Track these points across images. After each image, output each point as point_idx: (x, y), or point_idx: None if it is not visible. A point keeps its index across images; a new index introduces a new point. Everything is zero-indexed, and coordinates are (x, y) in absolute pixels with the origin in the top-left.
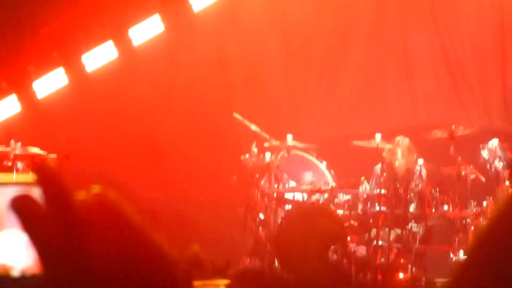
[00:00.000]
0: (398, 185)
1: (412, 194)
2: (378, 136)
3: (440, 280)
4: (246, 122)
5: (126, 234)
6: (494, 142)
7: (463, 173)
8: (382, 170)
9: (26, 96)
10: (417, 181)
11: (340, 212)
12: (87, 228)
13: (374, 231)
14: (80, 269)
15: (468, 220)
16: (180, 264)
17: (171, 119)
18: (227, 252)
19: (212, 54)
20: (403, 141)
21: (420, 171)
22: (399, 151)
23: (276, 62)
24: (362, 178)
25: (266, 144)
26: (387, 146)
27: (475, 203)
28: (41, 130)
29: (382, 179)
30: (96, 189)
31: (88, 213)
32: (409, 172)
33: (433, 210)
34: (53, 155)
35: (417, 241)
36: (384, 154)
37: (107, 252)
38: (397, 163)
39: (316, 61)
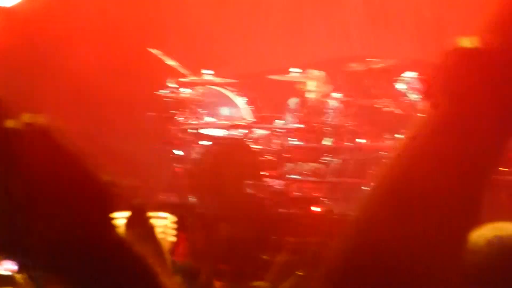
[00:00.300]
0: (313, 119)
1: (327, 128)
2: (294, 70)
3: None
4: (162, 57)
5: (58, 161)
6: (410, 75)
7: (379, 106)
8: (297, 104)
9: None
10: (332, 114)
11: (256, 147)
12: (17, 155)
13: (289, 165)
14: (12, 195)
15: (384, 152)
16: (109, 188)
17: (86, 53)
18: (144, 186)
19: None
20: (317, 74)
21: (334, 105)
22: (314, 85)
23: None
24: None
25: (183, 79)
26: (303, 79)
27: (391, 136)
28: None
29: (297, 113)
30: (26, 117)
31: (18, 141)
32: (324, 105)
33: (348, 143)
34: None
35: (332, 175)
36: (299, 88)
37: (38, 178)
38: (311, 97)
39: None
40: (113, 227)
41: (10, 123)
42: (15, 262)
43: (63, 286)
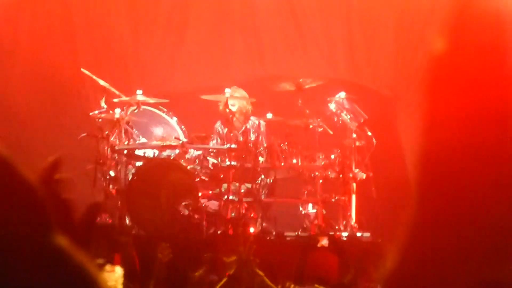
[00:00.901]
0: (246, 139)
1: (260, 148)
2: (227, 90)
3: (289, 234)
4: (94, 78)
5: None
6: (341, 95)
7: (311, 126)
8: (230, 124)
9: None
10: (264, 134)
11: (191, 167)
12: None
13: (225, 185)
14: None
15: (317, 173)
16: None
17: (15, 78)
18: (77, 208)
19: (56, 10)
20: (237, 92)
21: (259, 124)
22: (245, 105)
23: (122, 16)
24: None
25: (115, 100)
26: (234, 99)
27: (323, 156)
28: None
29: (230, 133)
30: None
31: None
32: (256, 125)
33: (282, 163)
34: None
35: (267, 195)
36: (230, 108)
37: None
38: (243, 117)
39: (162, 13)
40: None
41: None
42: None
43: None
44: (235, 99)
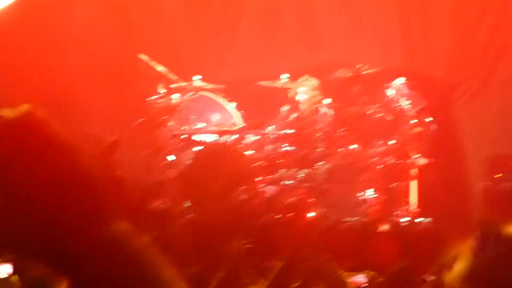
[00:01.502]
0: (304, 125)
1: (319, 134)
2: (284, 76)
3: (348, 219)
4: (152, 63)
5: (52, 152)
6: (399, 81)
7: (368, 112)
8: (288, 111)
9: None
10: (323, 121)
11: (248, 153)
12: (10, 144)
13: (282, 171)
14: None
15: (375, 159)
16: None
17: (73, 64)
18: (135, 195)
19: None
20: (308, 81)
21: (317, 110)
22: (304, 91)
23: (179, 1)
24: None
25: (173, 86)
26: (293, 86)
27: (382, 142)
28: None
29: (289, 119)
30: (24, 107)
31: (12, 130)
32: (314, 112)
33: (340, 149)
34: None
35: (324, 181)
36: (289, 95)
37: (31, 170)
38: (302, 103)
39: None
40: (110, 218)
41: (6, 112)
42: (11, 264)
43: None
44: (293, 85)
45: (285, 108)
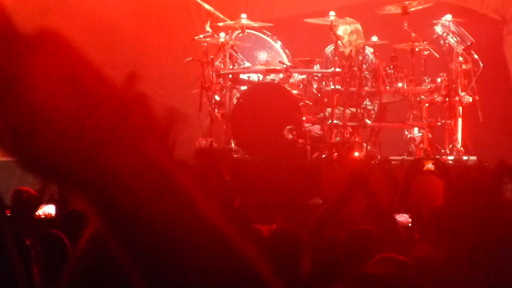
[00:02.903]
0: (351, 63)
1: (366, 72)
2: (331, 13)
3: (395, 158)
4: (199, 1)
5: (74, 63)
6: (447, 17)
7: (417, 49)
8: (334, 48)
9: None
10: (370, 58)
11: (295, 91)
12: (31, 59)
13: (329, 110)
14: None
15: (423, 96)
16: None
17: (122, 4)
18: (182, 132)
19: None
20: (350, 21)
21: (364, 48)
22: (351, 28)
23: None
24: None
25: (220, 24)
26: (339, 23)
27: (429, 80)
28: None
29: (335, 57)
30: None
31: (32, 44)
32: (361, 49)
33: (388, 87)
34: None
35: (372, 119)
36: (335, 32)
37: (54, 85)
38: (348, 40)
39: None
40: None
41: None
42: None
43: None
44: (341, 23)
45: (331, 47)
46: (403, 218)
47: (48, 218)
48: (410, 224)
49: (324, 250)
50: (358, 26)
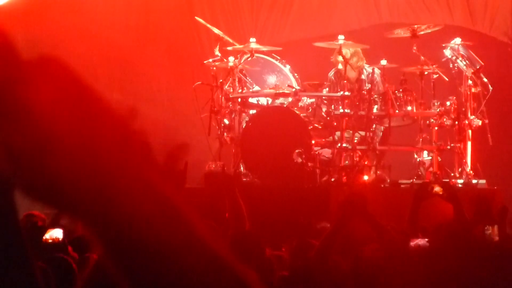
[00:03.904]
0: (359, 87)
1: (374, 95)
2: (341, 37)
3: (404, 182)
4: (209, 26)
5: (76, 90)
6: (457, 41)
7: (426, 73)
8: (343, 71)
9: None
10: (378, 82)
11: (304, 115)
12: (31, 83)
13: (338, 133)
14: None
15: (432, 120)
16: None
17: (132, 24)
18: (191, 156)
19: None
20: (349, 44)
21: (373, 72)
22: (359, 52)
23: None
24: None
25: (229, 48)
26: (348, 47)
27: (439, 103)
28: None
29: (343, 81)
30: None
31: (34, 70)
32: (370, 72)
33: (397, 110)
34: None
35: (381, 142)
36: (344, 55)
37: (58, 108)
38: (357, 64)
39: None
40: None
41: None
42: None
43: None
44: (349, 46)
45: (333, 71)
46: (422, 242)
47: (55, 243)
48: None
49: (329, 274)
50: (357, 49)
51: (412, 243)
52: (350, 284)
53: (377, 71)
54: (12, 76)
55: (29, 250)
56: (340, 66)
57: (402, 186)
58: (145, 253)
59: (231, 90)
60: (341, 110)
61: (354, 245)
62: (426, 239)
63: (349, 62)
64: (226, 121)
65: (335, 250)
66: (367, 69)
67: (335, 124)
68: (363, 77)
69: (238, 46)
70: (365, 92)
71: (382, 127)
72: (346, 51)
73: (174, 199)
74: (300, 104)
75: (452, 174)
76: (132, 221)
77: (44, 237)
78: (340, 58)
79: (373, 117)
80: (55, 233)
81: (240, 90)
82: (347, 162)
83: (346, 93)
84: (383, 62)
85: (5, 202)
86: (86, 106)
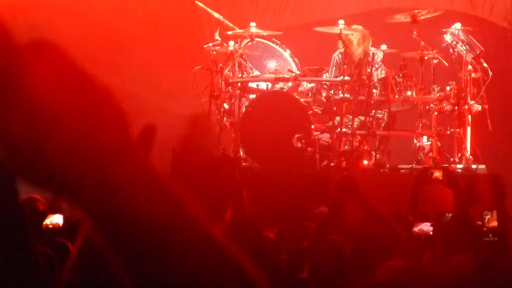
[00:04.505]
0: (360, 71)
1: (374, 80)
2: (341, 22)
3: (403, 166)
4: (209, 10)
5: (72, 75)
6: (457, 26)
7: (426, 58)
8: (343, 57)
9: None
10: (379, 67)
11: (304, 99)
12: (27, 69)
13: (338, 118)
14: (25, 112)
15: (432, 105)
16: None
17: (130, 9)
18: (191, 140)
19: None
20: (358, 28)
21: (373, 56)
22: (359, 37)
23: None
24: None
25: (229, 32)
26: (348, 31)
27: (438, 88)
28: None
29: (344, 66)
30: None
31: (29, 55)
32: (367, 57)
33: (397, 95)
34: None
35: (381, 127)
36: (344, 40)
37: (50, 92)
38: (357, 49)
39: None
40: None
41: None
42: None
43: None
44: (350, 30)
45: (336, 54)
46: (426, 227)
47: (55, 228)
48: (431, 233)
49: (327, 256)
50: (366, 32)
51: (416, 228)
52: (349, 263)
53: (378, 55)
54: (9, 62)
55: (32, 236)
56: (355, 48)
57: (401, 171)
58: (139, 229)
59: (231, 75)
60: (341, 95)
61: (351, 228)
62: (430, 223)
63: (352, 48)
64: (226, 106)
65: (333, 232)
66: (368, 51)
67: (335, 109)
68: (362, 58)
69: (238, 30)
70: (365, 77)
71: (382, 112)
72: (354, 35)
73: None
74: (300, 89)
75: (452, 159)
76: (131, 207)
77: (44, 223)
78: (353, 39)
79: (373, 102)
80: (55, 219)
81: (240, 75)
82: (346, 147)
83: (346, 78)
84: (383, 47)
85: (6, 188)
86: (83, 90)
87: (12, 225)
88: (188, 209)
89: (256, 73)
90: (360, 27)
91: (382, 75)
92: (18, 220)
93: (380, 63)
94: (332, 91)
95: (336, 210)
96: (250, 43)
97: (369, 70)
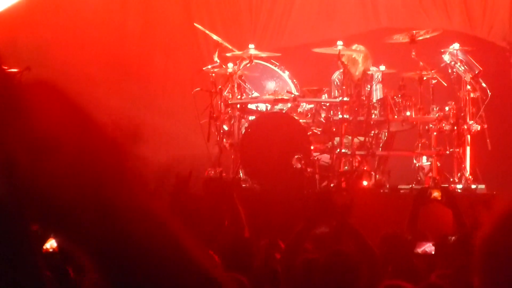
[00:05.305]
0: (359, 92)
1: (373, 101)
2: (339, 43)
3: (403, 187)
4: (207, 32)
5: (71, 114)
6: (455, 46)
7: (424, 78)
8: (342, 77)
9: None
10: (377, 87)
11: (303, 121)
12: (27, 105)
13: (337, 139)
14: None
15: (431, 125)
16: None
17: (130, 31)
18: (191, 162)
19: None
20: (358, 48)
21: (372, 77)
22: (358, 58)
23: None
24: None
25: (228, 54)
26: (347, 52)
27: (438, 108)
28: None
29: (342, 86)
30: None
31: (28, 91)
32: (369, 78)
33: (396, 115)
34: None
35: (380, 148)
36: (343, 61)
37: (51, 127)
38: (356, 69)
39: None
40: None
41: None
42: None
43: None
44: (348, 51)
45: (336, 75)
46: (429, 248)
47: (55, 252)
48: (433, 252)
49: (299, 272)
50: (367, 52)
51: (419, 249)
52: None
53: (376, 75)
54: (10, 102)
55: (40, 260)
56: (354, 68)
57: (401, 191)
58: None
59: (230, 96)
60: (340, 116)
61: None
62: (431, 243)
63: (357, 67)
64: (226, 127)
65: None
66: (367, 72)
67: (334, 129)
68: (361, 79)
69: (237, 52)
70: (364, 98)
71: (382, 132)
72: (353, 55)
73: (167, 218)
74: (299, 110)
75: (452, 179)
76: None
77: (44, 247)
78: (346, 61)
79: (372, 122)
80: (56, 243)
81: (239, 96)
82: (346, 167)
83: (345, 98)
84: (382, 67)
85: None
86: (81, 128)
87: (22, 251)
88: (185, 245)
89: (255, 94)
90: (362, 47)
91: (381, 96)
92: (26, 247)
93: (379, 83)
94: (331, 112)
95: (310, 226)
96: (249, 64)
97: (367, 88)
